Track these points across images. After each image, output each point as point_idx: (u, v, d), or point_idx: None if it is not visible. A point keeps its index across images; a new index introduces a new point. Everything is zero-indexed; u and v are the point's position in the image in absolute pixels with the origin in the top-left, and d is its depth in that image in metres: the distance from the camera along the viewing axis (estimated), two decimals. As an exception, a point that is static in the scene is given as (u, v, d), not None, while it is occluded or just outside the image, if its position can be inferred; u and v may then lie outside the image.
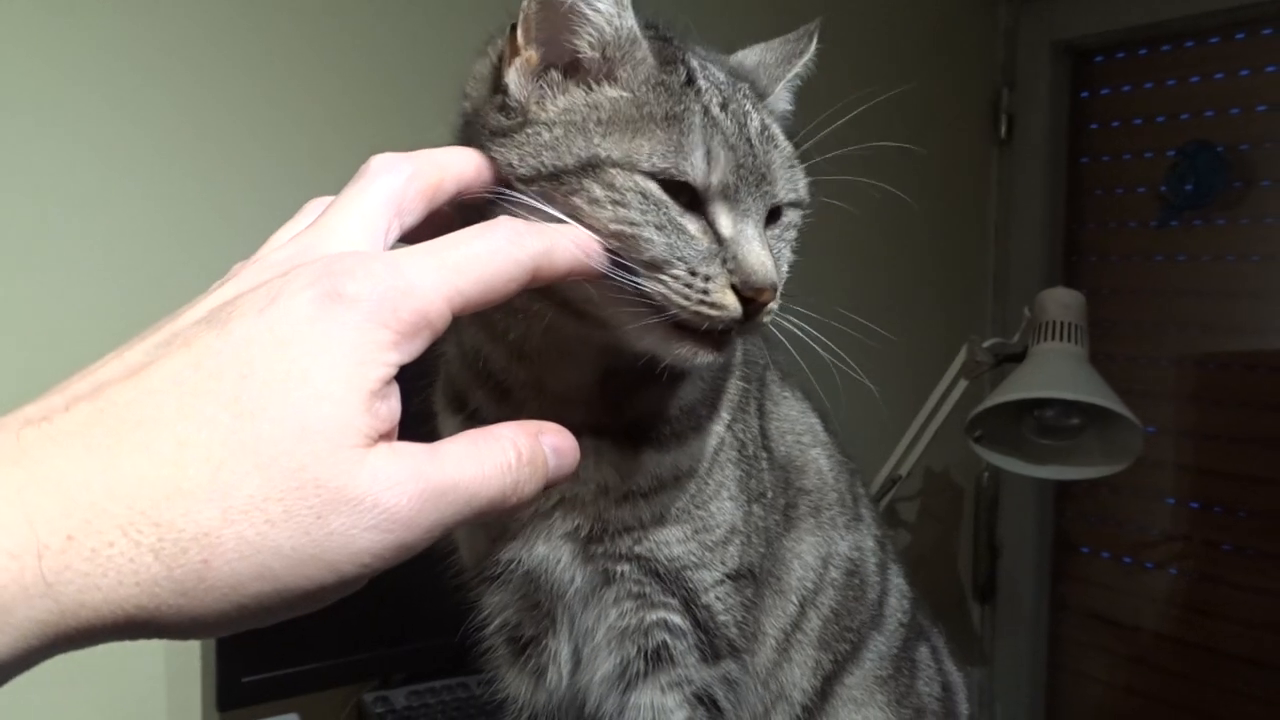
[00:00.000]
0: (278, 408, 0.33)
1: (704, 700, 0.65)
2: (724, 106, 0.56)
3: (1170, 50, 2.15)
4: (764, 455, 0.70)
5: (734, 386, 0.69)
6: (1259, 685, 2.03)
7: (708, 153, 0.53)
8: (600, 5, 0.53)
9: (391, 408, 0.35)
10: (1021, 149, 2.31)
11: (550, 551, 0.64)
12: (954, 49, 2.27)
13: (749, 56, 0.67)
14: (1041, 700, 2.38)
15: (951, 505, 2.35)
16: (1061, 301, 1.64)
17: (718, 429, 0.66)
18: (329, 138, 1.43)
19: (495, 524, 0.65)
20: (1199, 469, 2.16)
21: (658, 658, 0.64)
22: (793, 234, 0.62)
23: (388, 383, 0.35)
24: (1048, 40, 2.25)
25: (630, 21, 0.54)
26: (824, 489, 0.75)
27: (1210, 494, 2.14)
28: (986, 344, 1.73)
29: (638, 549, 0.63)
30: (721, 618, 0.65)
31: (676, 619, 0.64)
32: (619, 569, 0.63)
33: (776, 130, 0.61)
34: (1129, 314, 2.23)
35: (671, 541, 0.63)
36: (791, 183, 0.60)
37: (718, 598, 0.65)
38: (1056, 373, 1.57)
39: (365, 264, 0.36)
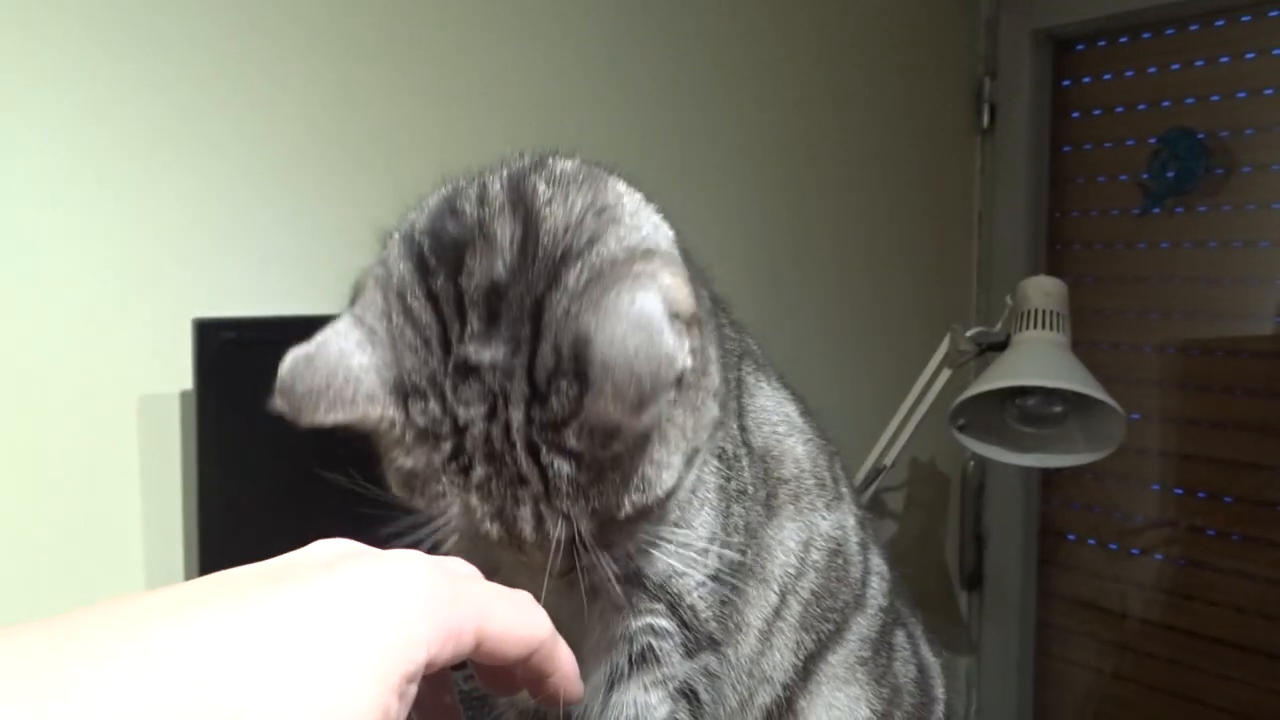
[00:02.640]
0: (299, 682, 0.32)
1: (685, 694, 0.66)
2: (484, 488, 0.51)
3: (1151, 38, 2.16)
4: (744, 452, 0.70)
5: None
6: (1245, 669, 2.04)
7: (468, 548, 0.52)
8: (337, 415, 0.50)
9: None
10: (1004, 138, 2.32)
11: (529, 581, 0.64)
12: (935, 39, 2.27)
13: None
14: (1029, 686, 2.39)
15: (937, 494, 2.36)
16: (1044, 289, 1.65)
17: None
18: (322, 135, 1.43)
19: (488, 557, 0.65)
20: (1183, 455, 2.17)
21: (643, 659, 0.65)
22: (652, 528, 0.57)
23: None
24: (1029, 29, 2.26)
25: (378, 411, 0.50)
26: (801, 475, 0.75)
27: (1194, 480, 2.15)
28: (970, 333, 1.73)
29: (623, 570, 0.63)
30: (704, 614, 0.66)
31: (663, 621, 0.65)
32: (606, 586, 0.64)
33: (562, 469, 0.51)
34: (1112, 301, 2.24)
35: (655, 559, 0.63)
36: (586, 512, 0.52)
37: (700, 597, 0.66)
38: (1039, 360, 1.58)
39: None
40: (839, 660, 0.76)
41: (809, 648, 0.73)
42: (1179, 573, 2.18)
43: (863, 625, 0.78)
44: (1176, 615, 2.17)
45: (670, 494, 0.54)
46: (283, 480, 1.29)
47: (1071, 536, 2.35)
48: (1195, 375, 2.15)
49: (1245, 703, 2.04)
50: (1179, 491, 2.18)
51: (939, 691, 0.85)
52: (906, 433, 1.74)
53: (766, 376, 0.78)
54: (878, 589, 0.81)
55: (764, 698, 0.73)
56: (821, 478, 0.76)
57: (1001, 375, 1.59)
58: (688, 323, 0.51)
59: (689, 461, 0.55)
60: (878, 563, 0.82)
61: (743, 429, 0.71)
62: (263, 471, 1.27)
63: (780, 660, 0.73)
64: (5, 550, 1.24)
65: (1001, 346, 1.68)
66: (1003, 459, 1.75)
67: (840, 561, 0.76)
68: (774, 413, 0.76)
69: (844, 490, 0.80)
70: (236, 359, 1.23)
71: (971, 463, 2.34)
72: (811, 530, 0.74)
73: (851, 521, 0.79)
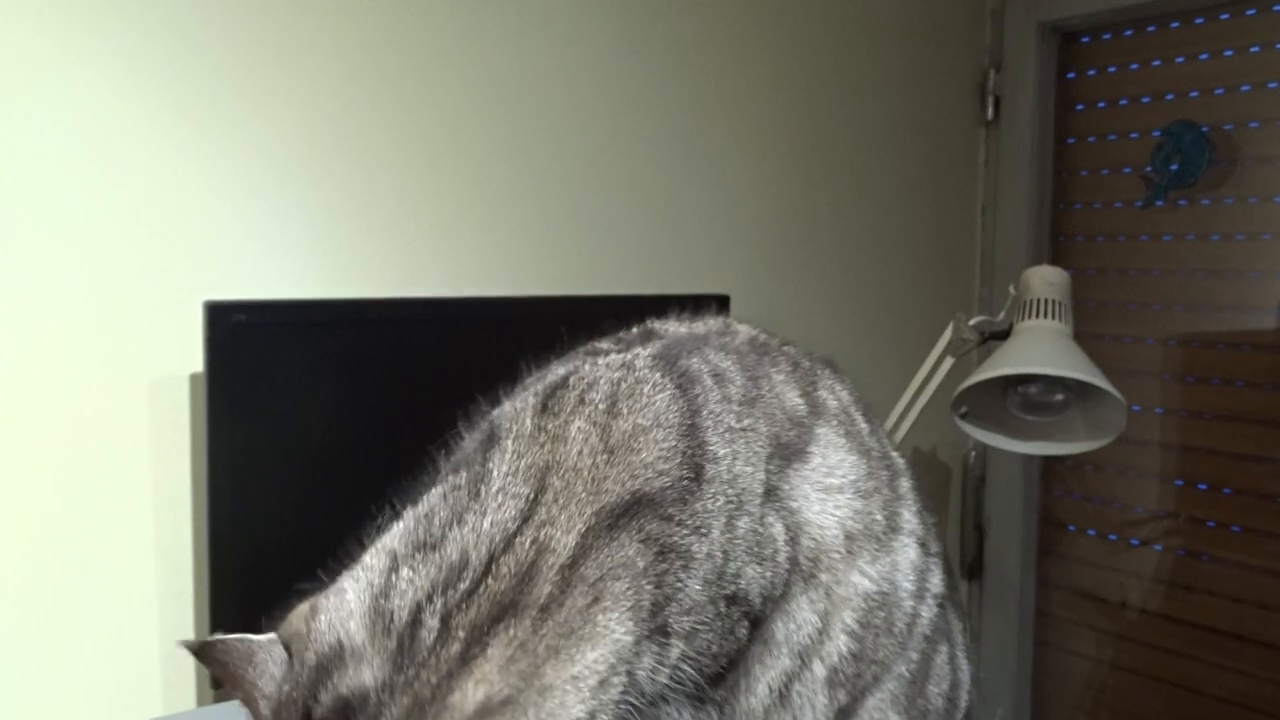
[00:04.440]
0: None
1: None
2: None
3: (1155, 31, 2.16)
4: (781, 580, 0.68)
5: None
6: (1243, 659, 2.05)
7: None
8: None
9: None
10: (1008, 130, 2.32)
11: None
12: (940, 31, 2.28)
13: None
14: (1028, 675, 2.40)
15: (938, 484, 2.37)
16: (1046, 279, 1.65)
17: None
18: (333, 119, 1.44)
19: None
20: (1184, 447, 2.18)
21: None
22: None
23: None
24: (1034, 22, 2.26)
25: None
26: (820, 548, 0.68)
27: (1195, 471, 2.16)
28: (972, 321, 1.74)
29: None
30: None
31: None
32: None
33: None
34: (1115, 293, 2.24)
35: None
36: None
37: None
38: (1041, 348, 1.59)
39: None
40: (875, 704, 0.70)
41: (841, 701, 0.69)
42: (1178, 564, 2.19)
43: (903, 666, 0.72)
44: (1175, 606, 2.18)
45: None
46: (292, 463, 1.30)
47: (1071, 527, 2.36)
48: (1197, 368, 2.16)
49: (1243, 693, 2.05)
50: (1179, 483, 2.19)
51: (964, 700, 0.83)
52: (909, 421, 1.75)
53: (803, 451, 0.70)
54: (929, 619, 0.74)
55: None
56: (866, 530, 0.70)
57: (1004, 363, 1.60)
58: None
59: None
60: (935, 582, 0.75)
61: (794, 544, 0.67)
62: (272, 454, 1.28)
63: (805, 718, 0.70)
64: (16, 533, 1.25)
65: (1004, 335, 1.69)
66: (1005, 447, 1.76)
67: (883, 615, 0.70)
68: (812, 494, 0.69)
69: (902, 518, 0.73)
70: (247, 342, 1.24)
71: (972, 453, 2.35)
72: (830, 600, 0.68)
73: (909, 556, 0.72)
